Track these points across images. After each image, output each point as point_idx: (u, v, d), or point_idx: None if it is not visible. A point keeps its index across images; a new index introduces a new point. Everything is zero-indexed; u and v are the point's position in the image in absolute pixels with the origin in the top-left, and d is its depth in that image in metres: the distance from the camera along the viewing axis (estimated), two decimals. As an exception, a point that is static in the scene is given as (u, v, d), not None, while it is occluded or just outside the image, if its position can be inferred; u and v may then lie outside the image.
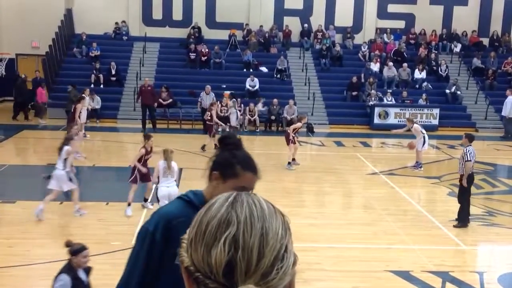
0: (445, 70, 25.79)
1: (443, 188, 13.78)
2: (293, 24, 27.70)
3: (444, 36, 28.19)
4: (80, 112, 17.50)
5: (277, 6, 27.96)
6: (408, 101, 23.57)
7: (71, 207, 11.39)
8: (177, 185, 10.36)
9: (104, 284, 7.85)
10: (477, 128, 23.01)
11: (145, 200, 11.47)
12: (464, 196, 10.78)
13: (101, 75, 23.72)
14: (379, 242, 9.87)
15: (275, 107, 22.00)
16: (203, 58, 25.23)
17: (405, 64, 25.41)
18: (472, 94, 25.06)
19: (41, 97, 22.09)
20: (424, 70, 25.47)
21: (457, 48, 27.61)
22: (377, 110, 22.97)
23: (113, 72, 23.94)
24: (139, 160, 11.00)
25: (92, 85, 23.16)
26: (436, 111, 23.18)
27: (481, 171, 15.30)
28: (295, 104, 22.54)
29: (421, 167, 15.60)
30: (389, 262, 8.87)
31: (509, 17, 28.67)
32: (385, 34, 28.09)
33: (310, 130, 21.85)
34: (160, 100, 21.89)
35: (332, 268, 8.65)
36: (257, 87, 23.84)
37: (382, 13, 28.46)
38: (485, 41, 28.37)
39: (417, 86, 25.14)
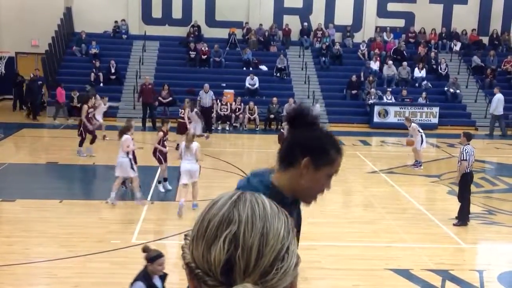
0: (445, 69, 25.79)
1: (442, 187, 13.79)
2: (292, 23, 27.69)
3: (443, 34, 28.19)
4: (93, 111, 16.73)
5: (277, 4, 27.95)
6: (408, 100, 23.57)
7: (71, 205, 11.40)
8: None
9: (103, 282, 7.87)
10: (476, 126, 23.02)
11: (165, 179, 12.53)
12: (464, 195, 10.78)
13: (100, 74, 23.71)
14: (379, 240, 9.87)
15: (274, 105, 22.00)
16: (203, 57, 25.22)
17: (404, 63, 25.41)
18: (472, 93, 25.07)
19: (61, 97, 22.03)
20: (424, 69, 25.47)
21: (457, 46, 27.61)
22: (376, 108, 22.97)
23: (113, 70, 23.93)
24: (159, 142, 12.19)
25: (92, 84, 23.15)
26: (435, 110, 23.18)
27: (481, 170, 15.30)
28: (294, 102, 22.50)
29: (421, 165, 15.60)
30: (389, 261, 8.87)
31: (508, 15, 28.66)
32: (384, 33, 28.08)
33: (310, 129, 21.82)
34: (160, 99, 21.89)
35: (332, 267, 8.65)
36: (256, 85, 23.84)
37: (382, 12, 28.44)
38: (485, 39, 28.36)
39: (416, 84, 25.14)
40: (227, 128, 21.95)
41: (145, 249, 5.84)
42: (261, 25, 27.31)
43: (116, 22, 26.87)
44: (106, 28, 26.94)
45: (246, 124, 22.04)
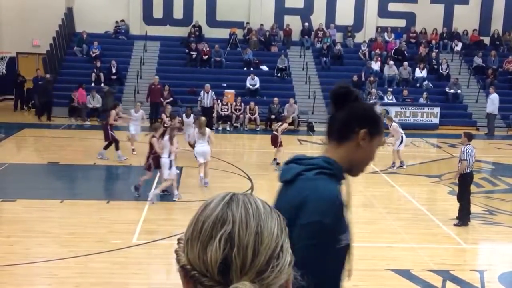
0: (446, 69, 25.79)
1: (443, 187, 13.78)
2: (293, 23, 27.70)
3: (445, 34, 28.18)
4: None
5: (278, 4, 27.96)
6: (409, 100, 23.57)
7: (72, 205, 11.42)
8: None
9: (104, 282, 7.88)
10: (477, 127, 23.01)
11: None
12: (463, 195, 10.77)
13: (101, 74, 23.73)
14: (380, 240, 9.87)
15: (275, 105, 22.00)
16: (204, 57, 25.24)
17: (405, 63, 25.41)
18: (473, 93, 25.06)
19: (82, 98, 22.05)
20: (425, 69, 25.47)
21: (458, 47, 27.60)
22: (377, 109, 22.94)
23: (114, 70, 23.96)
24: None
25: (92, 84, 23.17)
26: (436, 110, 23.18)
27: (482, 170, 15.29)
28: (295, 102, 22.54)
29: (402, 166, 15.40)
30: (390, 261, 8.87)
31: (510, 15, 28.64)
32: (385, 33, 28.08)
33: (310, 129, 21.85)
34: (161, 99, 21.93)
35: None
36: (257, 85, 23.85)
37: (383, 12, 28.45)
38: (486, 39, 28.36)
39: (417, 84, 25.13)
40: (228, 128, 21.95)
41: None
42: (262, 25, 27.32)
43: (117, 22, 26.90)
44: (107, 28, 26.97)
45: (247, 124, 22.04)
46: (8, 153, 16.23)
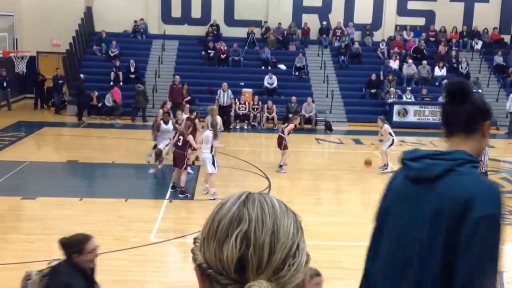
0: (466, 68, 25.52)
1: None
2: (311, 22, 27.61)
3: (464, 33, 27.88)
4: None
5: (296, 3, 27.89)
6: (428, 99, 23.37)
7: (91, 203, 11.50)
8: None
9: (122, 280, 7.92)
10: (498, 126, 22.70)
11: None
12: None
13: (120, 73, 23.88)
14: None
15: (293, 104, 21.95)
16: (222, 56, 25.26)
17: (424, 62, 25.20)
18: (493, 92, 24.75)
19: (118, 97, 22.25)
20: (444, 68, 25.23)
21: (478, 45, 27.29)
22: (396, 107, 22.80)
23: (132, 69, 24.08)
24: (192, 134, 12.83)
25: (111, 83, 23.32)
26: (456, 109, 22.91)
27: (502, 170, 15.09)
28: (313, 101, 22.47)
29: (386, 168, 14.65)
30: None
31: (531, 13, 28.25)
32: (404, 31, 27.87)
33: (328, 128, 21.76)
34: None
35: (352, 267, 8.58)
36: (275, 84, 23.82)
37: (402, 10, 28.24)
38: (507, 38, 28.00)
39: (437, 83, 24.90)
40: (246, 127, 21.96)
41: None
42: (280, 24, 27.28)
43: (135, 21, 27.04)
44: (125, 27, 27.13)
45: (265, 123, 22.02)
46: (28, 151, 16.41)
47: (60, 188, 12.66)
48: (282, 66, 25.42)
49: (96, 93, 22.17)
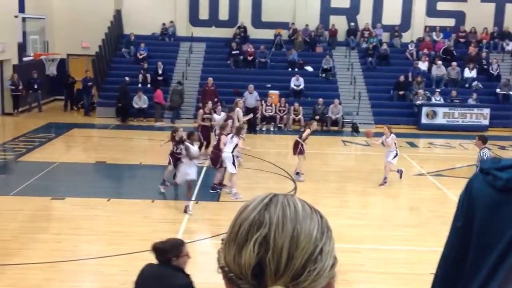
0: (496, 69, 25.07)
1: (493, 190, 13.37)
2: (339, 23, 27.46)
3: (495, 34, 27.41)
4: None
5: (323, 5, 27.78)
6: (458, 101, 23.02)
7: (118, 204, 11.63)
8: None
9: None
10: (529, 128, 22.27)
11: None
12: None
13: (148, 75, 24.10)
14: (425, 244, 9.66)
15: (320, 106, 21.87)
16: (249, 58, 25.31)
17: (454, 63, 24.83)
18: (525, 94, 24.27)
19: (159, 98, 22.54)
20: (475, 69, 24.82)
21: (509, 46, 26.79)
22: (424, 109, 22.52)
23: (160, 72, 24.28)
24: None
25: (139, 85, 23.57)
26: (486, 111, 22.55)
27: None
28: (340, 103, 22.34)
29: (385, 182, 13.71)
30: (435, 265, 8.66)
31: None
32: (434, 32, 27.52)
33: (355, 130, 21.62)
34: (215, 99, 22.09)
35: (376, 270, 8.53)
36: (302, 86, 23.76)
37: (431, 11, 27.90)
38: (539, 38, 27.42)
39: (466, 85, 24.53)
40: (272, 129, 21.95)
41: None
42: (307, 25, 27.21)
43: (164, 24, 27.27)
44: (154, 30, 27.38)
45: (291, 125, 21.97)
46: (58, 152, 16.68)
47: (88, 188, 12.84)
48: (309, 68, 25.34)
49: (143, 96, 22.43)
